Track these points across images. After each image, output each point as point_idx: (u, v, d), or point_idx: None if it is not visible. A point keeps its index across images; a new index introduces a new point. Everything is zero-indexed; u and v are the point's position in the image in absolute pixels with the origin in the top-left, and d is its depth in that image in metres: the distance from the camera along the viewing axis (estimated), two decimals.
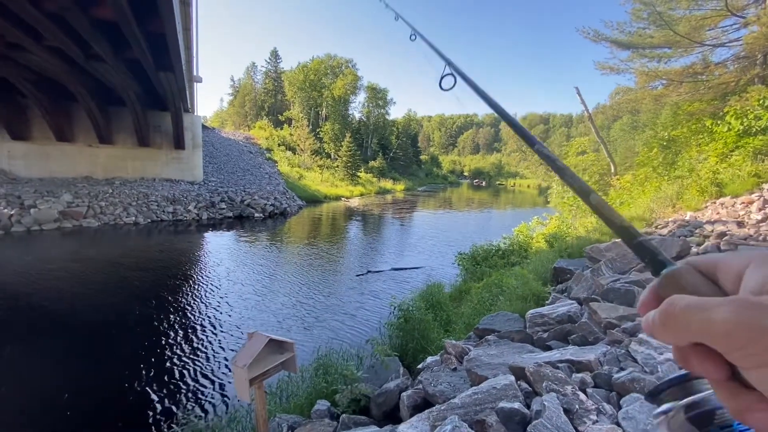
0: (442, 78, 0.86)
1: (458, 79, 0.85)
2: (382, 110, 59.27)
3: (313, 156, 42.95)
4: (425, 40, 1.06)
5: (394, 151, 59.81)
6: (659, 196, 10.90)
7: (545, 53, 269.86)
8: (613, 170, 18.28)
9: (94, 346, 6.62)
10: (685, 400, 0.35)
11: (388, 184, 48.34)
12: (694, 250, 5.96)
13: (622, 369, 2.93)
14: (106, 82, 15.26)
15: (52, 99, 17.19)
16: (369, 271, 12.00)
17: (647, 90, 15.25)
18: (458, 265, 11.23)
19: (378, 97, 58.04)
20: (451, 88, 0.87)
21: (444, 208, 34.99)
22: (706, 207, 8.89)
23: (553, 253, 8.82)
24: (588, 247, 7.22)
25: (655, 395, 0.37)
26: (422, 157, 78.50)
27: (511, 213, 33.24)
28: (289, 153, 40.87)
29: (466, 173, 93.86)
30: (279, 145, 41.87)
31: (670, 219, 8.92)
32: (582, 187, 0.46)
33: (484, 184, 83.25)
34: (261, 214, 21.59)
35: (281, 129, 48.17)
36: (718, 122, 11.08)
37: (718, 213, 8.16)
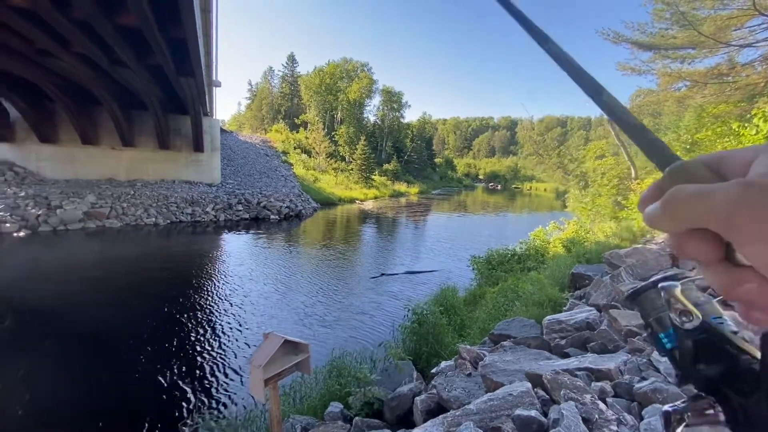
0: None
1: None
2: (397, 113, 59.38)
3: (328, 159, 43.27)
4: None
5: (408, 155, 59.78)
6: None
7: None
8: (633, 174, 17.82)
9: (114, 343, 6.79)
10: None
11: (402, 187, 48.30)
12: None
13: (643, 378, 2.84)
14: (129, 87, 15.74)
15: (78, 103, 17.83)
16: (383, 274, 11.99)
17: (670, 92, 14.84)
18: (473, 268, 11.11)
19: (393, 100, 58.18)
20: None
21: (458, 211, 34.74)
22: None
23: (570, 259, 8.64)
24: (607, 252, 7.05)
25: (633, 298, 0.36)
26: (437, 160, 78.23)
27: (527, 217, 32.77)
28: (304, 156, 41.30)
29: (481, 176, 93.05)
30: (295, 148, 42.36)
31: None
32: (593, 84, 0.44)
33: (499, 187, 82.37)
34: (277, 216, 21.85)
35: (297, 132, 48.75)
36: (746, 125, 10.68)
37: None
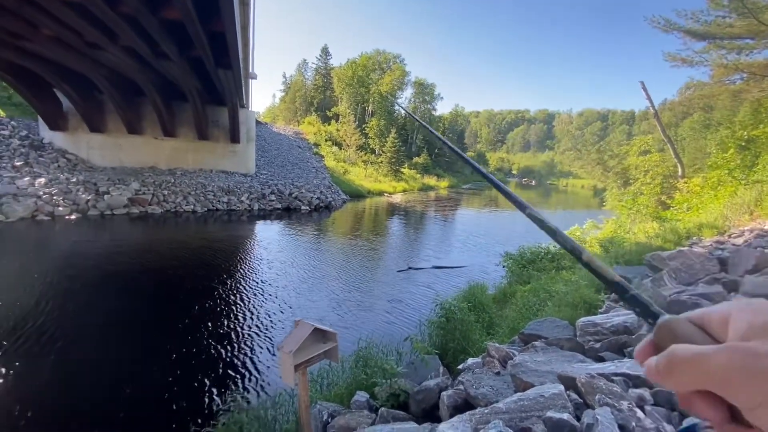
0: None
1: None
2: (429, 105, 58.77)
3: (358, 151, 43.51)
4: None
5: (439, 148, 59.07)
6: (734, 202, 9.83)
7: (606, 45, 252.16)
8: (680, 172, 16.76)
9: (152, 325, 7.20)
10: None
11: (431, 180, 47.89)
12: None
13: None
14: (171, 79, 16.43)
15: (124, 95, 18.80)
16: (410, 268, 11.98)
17: (724, 84, 13.79)
18: (504, 266, 10.88)
19: (425, 92, 57.58)
20: None
21: (489, 206, 34.05)
22: None
23: (608, 259, 8.27)
24: (649, 254, 6.68)
25: None
26: (468, 153, 76.76)
27: (562, 214, 31.66)
28: (335, 148, 41.73)
29: (514, 171, 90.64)
30: (326, 140, 42.88)
31: (746, 228, 8.02)
32: (574, 247, 0.47)
33: (533, 183, 79.99)
34: (307, 207, 22.27)
35: (329, 124, 49.29)
36: None
37: None
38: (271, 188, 22.79)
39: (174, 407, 4.98)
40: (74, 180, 17.15)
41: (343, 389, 4.51)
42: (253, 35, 19.58)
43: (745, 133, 12.83)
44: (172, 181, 19.90)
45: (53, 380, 5.34)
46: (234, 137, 23.26)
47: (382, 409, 3.68)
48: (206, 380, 5.59)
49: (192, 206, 18.66)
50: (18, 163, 16.89)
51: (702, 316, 0.36)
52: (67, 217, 15.14)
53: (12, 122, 20.23)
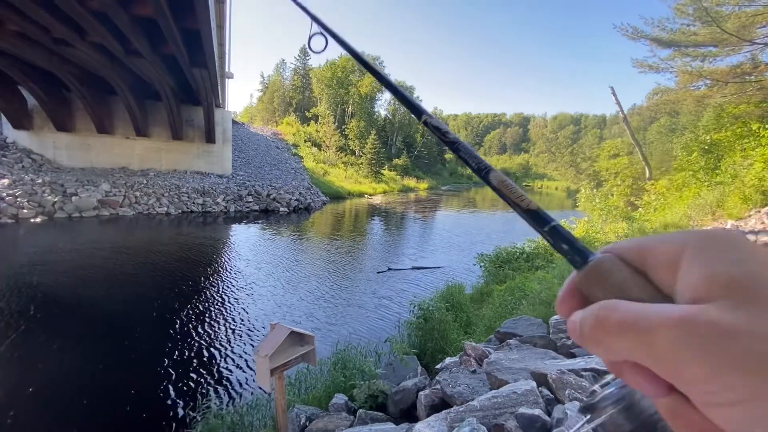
0: (310, 38, 0.78)
1: (329, 39, 0.75)
2: None
3: (338, 153, 43.32)
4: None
5: (418, 150, 59.56)
6: (698, 202, 10.36)
7: (578, 51, 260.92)
8: (648, 174, 17.51)
9: (123, 330, 6.94)
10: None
11: (411, 182, 48.20)
12: None
13: None
14: (144, 77, 15.91)
15: (94, 93, 18.08)
16: (390, 269, 12.01)
17: (689, 90, 14.48)
18: (480, 266, 11.07)
19: None
20: (322, 50, 0.80)
21: (467, 208, 34.56)
22: (750, 216, 8.38)
23: None
24: None
25: (590, 410, 0.31)
26: (447, 155, 77.76)
27: None
28: (314, 149, 41.41)
29: None
30: (305, 141, 42.49)
31: (709, 227, 8.46)
32: (480, 165, 0.41)
33: None
34: (286, 209, 21.99)
35: (308, 125, 48.85)
36: (766, 126, 10.41)
37: (763, 222, 7.67)
38: (248, 189, 22.38)
39: (146, 415, 4.82)
40: (40, 181, 16.34)
41: (321, 392, 4.48)
42: (229, 34, 19.24)
43: (708, 137, 13.53)
44: (145, 182, 19.26)
45: (15, 390, 5.08)
46: (209, 137, 22.73)
47: (361, 410, 3.68)
48: (180, 386, 5.44)
49: (165, 208, 18.10)
50: None
51: (644, 253, 0.26)
52: (32, 219, 14.41)
53: None
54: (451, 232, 20.37)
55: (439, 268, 12.49)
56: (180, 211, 18.48)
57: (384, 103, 58.79)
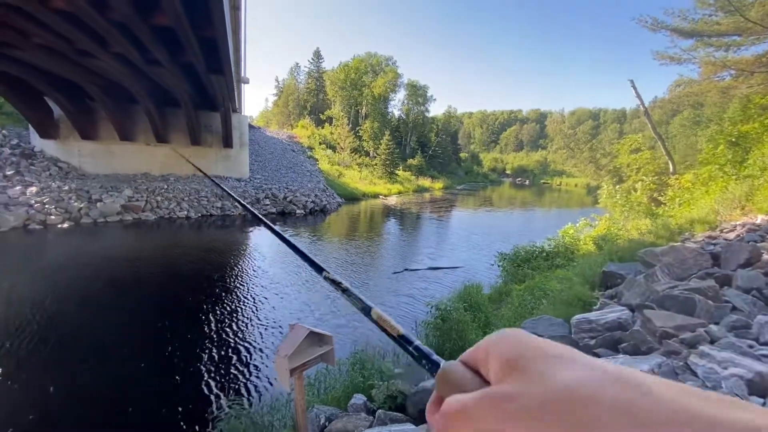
0: None
1: None
2: (422, 107, 58.84)
3: (353, 154, 43.51)
4: None
5: (433, 149, 59.21)
6: (726, 197, 9.96)
7: (597, 43, 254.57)
8: (671, 169, 16.94)
9: (147, 331, 7.14)
10: None
11: (426, 182, 47.96)
12: (765, 257, 5.39)
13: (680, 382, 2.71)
14: (163, 85, 16.34)
15: (116, 101, 18.67)
16: (406, 269, 11.98)
17: (713, 81, 13.98)
18: (499, 266, 10.92)
19: (418, 94, 57.69)
20: None
21: (484, 207, 34.17)
22: None
23: (602, 257, 8.33)
24: (642, 250, 6.75)
25: None
26: (462, 155, 77.11)
27: (556, 213, 31.84)
28: (329, 151, 41.70)
29: (508, 171, 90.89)
30: (320, 143, 42.83)
31: (737, 222, 8.12)
32: (364, 305, 0.50)
33: (527, 182, 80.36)
34: (302, 211, 22.22)
35: (322, 128, 49.25)
36: None
37: None
38: (265, 192, 22.71)
39: (170, 415, 4.93)
40: (66, 188, 16.97)
41: (340, 392, 4.50)
42: (245, 39, 19.58)
43: (735, 129, 13.00)
44: (166, 187, 19.77)
45: (47, 388, 5.28)
46: (227, 142, 23.17)
47: (380, 411, 3.68)
48: (202, 386, 5.55)
49: (186, 212, 18.54)
50: (9, 173, 16.69)
51: (474, 354, 0.34)
52: (59, 225, 14.98)
53: (3, 131, 20.01)
54: (468, 231, 20.19)
55: (456, 268, 12.38)
56: (200, 215, 18.89)
57: (397, 103, 58.72)
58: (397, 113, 58.19)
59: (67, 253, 12.15)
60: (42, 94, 17.86)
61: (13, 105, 18.03)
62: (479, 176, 74.10)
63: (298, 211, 22.01)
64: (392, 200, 33.25)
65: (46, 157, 19.59)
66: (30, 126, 19.49)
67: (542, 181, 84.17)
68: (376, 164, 42.78)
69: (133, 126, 20.96)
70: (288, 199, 22.66)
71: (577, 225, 13.29)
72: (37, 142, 19.86)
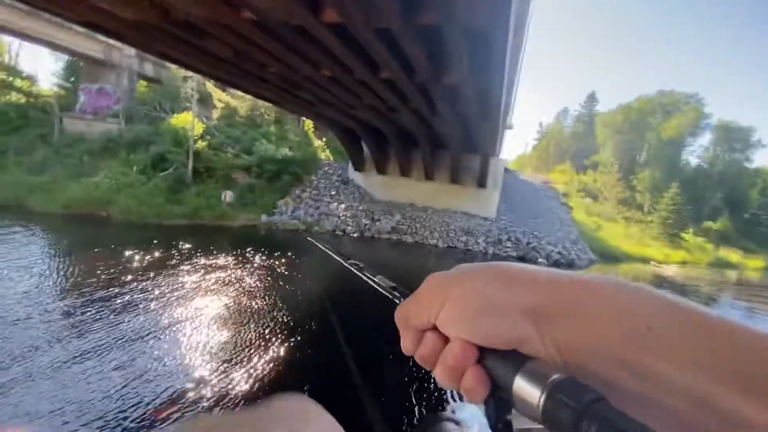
0: None
1: None
2: (739, 155, 43.79)
3: (619, 206, 37.12)
4: None
5: (753, 212, 42.66)
6: None
7: None
8: None
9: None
10: None
11: (732, 255, 34.82)
12: None
13: None
14: (439, 132, 19.27)
15: (403, 145, 23.46)
16: None
17: None
18: None
19: (733, 138, 43.44)
20: None
21: None
22: None
23: None
24: None
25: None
26: None
27: None
28: (588, 200, 37.25)
29: None
30: (578, 190, 38.99)
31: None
32: None
33: None
34: (545, 260, 20.65)
35: (584, 173, 44.72)
36: None
37: None
38: (508, 235, 22.60)
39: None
40: (361, 208, 22.62)
41: None
42: (516, 90, 20.48)
43: None
44: (424, 216, 23.00)
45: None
46: (481, 183, 24.67)
47: None
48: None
49: (435, 240, 20.88)
50: (332, 193, 23.93)
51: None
52: (352, 234, 20.09)
53: (335, 164, 29.00)
54: None
55: None
56: (446, 245, 20.82)
57: (697, 148, 46.11)
58: (694, 161, 45.72)
59: (357, 254, 16.04)
60: (360, 139, 24.68)
61: (344, 147, 25.79)
62: None
63: (540, 260, 20.61)
64: (670, 271, 25.90)
65: (354, 185, 26.80)
66: (349, 162, 27.25)
67: None
68: (651, 221, 34.81)
69: (410, 165, 25.69)
70: (531, 245, 21.66)
71: None
72: (351, 173, 27.51)
